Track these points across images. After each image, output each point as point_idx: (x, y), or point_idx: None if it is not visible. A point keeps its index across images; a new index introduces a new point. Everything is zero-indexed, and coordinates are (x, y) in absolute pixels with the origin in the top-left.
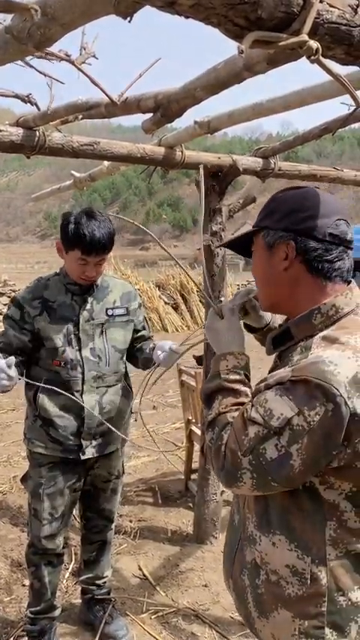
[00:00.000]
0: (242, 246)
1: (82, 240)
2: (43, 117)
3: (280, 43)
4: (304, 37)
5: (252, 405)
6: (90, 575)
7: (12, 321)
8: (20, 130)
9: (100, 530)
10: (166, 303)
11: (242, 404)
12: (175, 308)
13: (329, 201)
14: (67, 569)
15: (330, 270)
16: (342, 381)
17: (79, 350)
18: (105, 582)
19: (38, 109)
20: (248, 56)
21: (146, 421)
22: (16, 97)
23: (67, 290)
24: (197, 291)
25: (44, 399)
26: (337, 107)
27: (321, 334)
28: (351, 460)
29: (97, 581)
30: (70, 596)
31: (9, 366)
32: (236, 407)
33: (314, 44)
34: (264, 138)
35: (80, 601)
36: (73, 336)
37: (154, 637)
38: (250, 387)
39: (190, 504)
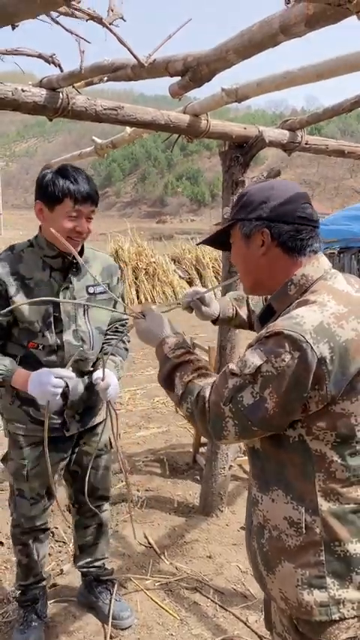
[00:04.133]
0: (221, 241)
1: (72, 187)
2: (68, 77)
3: None
4: None
5: (234, 363)
6: (89, 559)
7: None
8: (43, 91)
9: (95, 514)
10: (180, 277)
11: (201, 368)
12: (190, 283)
13: (293, 188)
14: (61, 550)
15: (304, 247)
16: (307, 330)
17: (60, 333)
18: (104, 563)
19: (62, 70)
20: (285, 17)
21: (156, 393)
22: (40, 56)
23: (45, 264)
24: (212, 267)
25: None
26: None
27: (296, 301)
28: (327, 404)
29: (97, 563)
30: (69, 576)
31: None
32: (198, 373)
33: None
34: (288, 112)
35: (73, 579)
36: (52, 318)
37: (157, 603)
38: (195, 353)
39: (198, 477)
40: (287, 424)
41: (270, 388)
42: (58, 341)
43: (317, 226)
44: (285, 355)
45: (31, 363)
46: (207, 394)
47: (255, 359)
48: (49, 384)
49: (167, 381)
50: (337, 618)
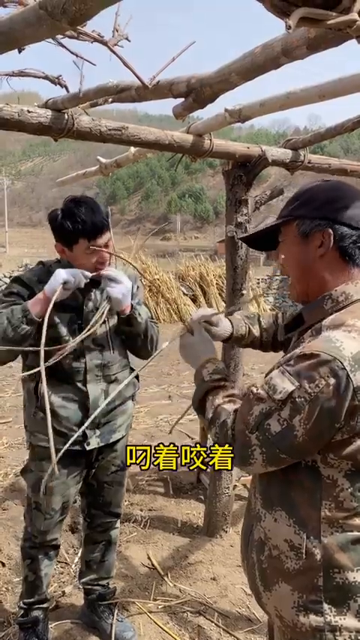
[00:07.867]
0: (261, 240)
1: (85, 227)
2: (73, 99)
3: (329, 22)
4: (354, 15)
5: (259, 387)
6: (94, 576)
7: (18, 297)
8: (49, 112)
9: (105, 529)
10: (184, 294)
11: (233, 395)
12: (194, 300)
13: (358, 192)
14: (63, 572)
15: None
16: (346, 356)
17: (82, 340)
18: (109, 582)
19: (67, 91)
20: (287, 40)
21: (159, 411)
22: (46, 78)
23: None
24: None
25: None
26: None
27: (330, 318)
28: (352, 436)
29: (102, 582)
30: (71, 598)
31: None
32: (229, 398)
33: None
34: (291, 131)
35: (76, 601)
36: (76, 325)
37: (161, 627)
38: (232, 382)
39: (202, 497)
40: (316, 451)
41: (301, 415)
42: (82, 347)
43: None
44: (320, 381)
45: (54, 374)
46: (230, 421)
47: (286, 384)
48: (67, 272)
49: (201, 404)
50: None
